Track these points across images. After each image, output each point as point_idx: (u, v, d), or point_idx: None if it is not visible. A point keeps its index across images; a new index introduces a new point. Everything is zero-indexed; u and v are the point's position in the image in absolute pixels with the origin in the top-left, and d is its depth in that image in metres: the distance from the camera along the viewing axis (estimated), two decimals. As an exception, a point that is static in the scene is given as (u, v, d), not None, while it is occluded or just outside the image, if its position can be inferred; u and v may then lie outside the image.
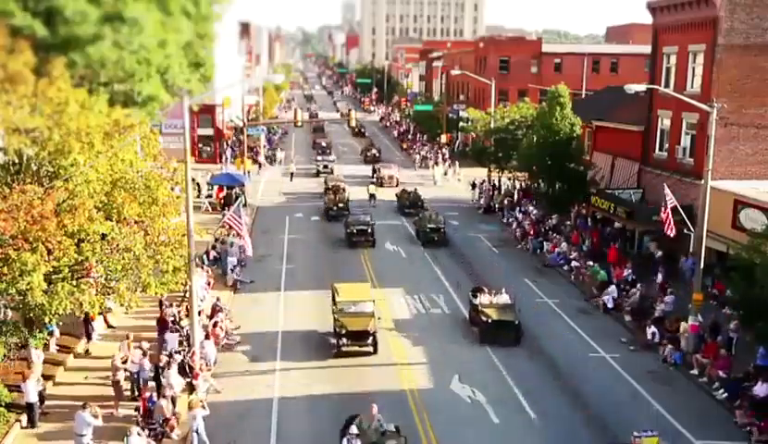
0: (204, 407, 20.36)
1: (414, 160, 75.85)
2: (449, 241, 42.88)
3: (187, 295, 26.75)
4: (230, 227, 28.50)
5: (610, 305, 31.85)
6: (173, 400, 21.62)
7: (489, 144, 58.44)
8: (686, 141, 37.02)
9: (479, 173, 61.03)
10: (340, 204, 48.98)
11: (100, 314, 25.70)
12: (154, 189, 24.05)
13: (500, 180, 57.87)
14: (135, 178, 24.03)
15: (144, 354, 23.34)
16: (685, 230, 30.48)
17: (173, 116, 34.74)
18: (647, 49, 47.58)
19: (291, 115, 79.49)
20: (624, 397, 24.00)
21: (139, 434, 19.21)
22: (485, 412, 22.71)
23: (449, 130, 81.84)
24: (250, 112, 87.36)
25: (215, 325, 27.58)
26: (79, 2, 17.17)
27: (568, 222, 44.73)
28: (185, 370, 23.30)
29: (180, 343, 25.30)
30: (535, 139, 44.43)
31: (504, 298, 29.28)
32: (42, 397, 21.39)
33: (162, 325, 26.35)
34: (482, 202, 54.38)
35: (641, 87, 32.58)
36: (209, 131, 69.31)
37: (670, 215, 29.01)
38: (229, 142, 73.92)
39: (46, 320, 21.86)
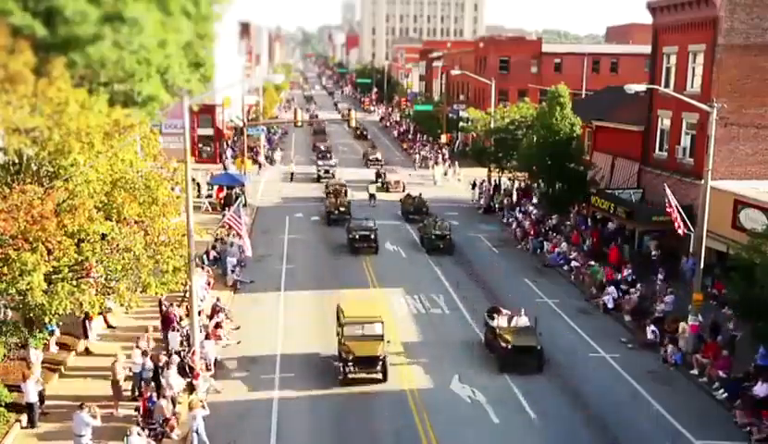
0: (204, 407, 20.36)
1: (415, 160, 75.82)
2: (455, 248, 41.36)
3: (187, 295, 26.76)
4: (230, 227, 28.51)
5: (610, 305, 31.85)
6: (173, 401, 21.63)
7: (489, 144, 58.43)
8: (686, 141, 37.02)
9: (479, 173, 61.02)
10: (342, 208, 47.73)
11: (100, 314, 25.69)
12: (154, 189, 24.06)
13: (500, 180, 57.88)
14: (135, 178, 24.04)
15: (145, 354, 23.33)
16: (685, 230, 30.45)
17: (173, 116, 34.73)
18: (647, 49, 47.57)
19: (290, 115, 79.45)
20: (624, 397, 24.00)
21: (139, 434, 19.21)
22: (485, 412, 22.71)
23: (449, 130, 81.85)
24: (250, 112, 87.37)
25: (216, 325, 27.60)
26: (79, 2, 17.18)
27: (568, 222, 44.74)
28: (185, 370, 23.33)
29: (181, 343, 25.31)
30: (535, 139, 44.42)
31: (524, 320, 26.93)
32: (42, 397, 21.38)
33: (166, 323, 26.39)
34: (482, 202, 54.39)
35: (641, 87, 32.58)
36: (209, 131, 69.29)
37: (677, 214, 28.90)
38: (229, 142, 73.95)
39: (46, 320, 21.88)
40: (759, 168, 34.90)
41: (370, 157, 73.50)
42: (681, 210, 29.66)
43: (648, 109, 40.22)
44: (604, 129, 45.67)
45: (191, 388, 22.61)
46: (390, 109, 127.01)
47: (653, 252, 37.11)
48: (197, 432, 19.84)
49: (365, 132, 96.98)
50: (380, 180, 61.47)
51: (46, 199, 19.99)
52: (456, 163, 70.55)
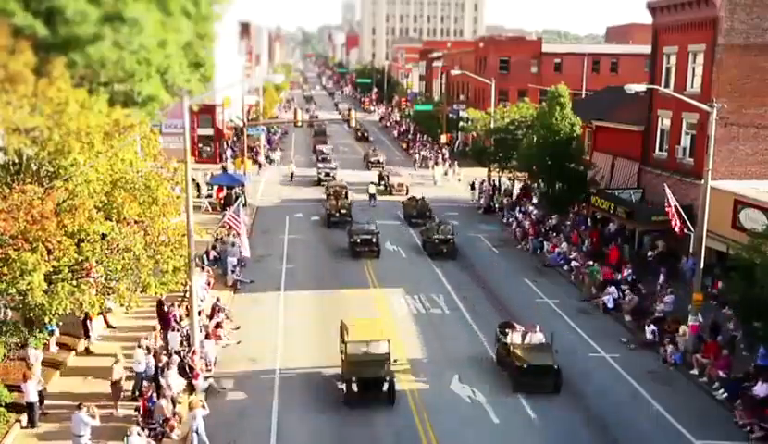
0: (204, 407, 20.37)
1: (415, 160, 75.80)
2: (458, 253, 40.35)
3: (187, 295, 26.76)
4: (230, 227, 28.52)
5: (610, 305, 31.85)
6: (173, 400, 21.63)
7: (489, 144, 58.43)
8: (686, 141, 37.02)
9: (479, 173, 61.01)
10: (343, 210, 46.94)
11: (100, 314, 25.69)
12: (154, 189, 24.07)
13: (500, 180, 57.89)
14: (135, 178, 24.05)
15: (149, 352, 23.35)
16: (685, 230, 30.47)
17: (173, 116, 34.78)
18: (647, 49, 47.58)
19: (290, 115, 79.37)
20: (624, 397, 24.00)
21: (139, 434, 19.21)
22: (485, 412, 22.71)
23: (449, 130, 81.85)
24: (250, 112, 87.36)
25: (216, 325, 27.60)
26: (79, 2, 17.20)
27: (568, 222, 44.76)
28: (185, 370, 23.33)
29: (181, 343, 25.32)
30: (535, 139, 44.41)
31: (539, 336, 25.37)
32: (42, 397, 21.38)
33: (167, 323, 26.41)
34: (482, 202, 54.41)
35: (641, 87, 32.58)
36: (209, 131, 69.30)
37: (675, 213, 28.94)
38: (229, 142, 73.94)
39: (46, 320, 21.88)
40: (759, 168, 34.90)
41: (371, 159, 72.19)
42: (681, 210, 29.68)
43: (648, 109, 40.22)
44: (604, 129, 45.67)
45: (191, 388, 22.62)
46: (389, 109, 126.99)
47: (649, 253, 37.16)
48: (197, 432, 19.84)
49: (366, 134, 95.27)
50: (383, 183, 60.29)
51: (46, 199, 19.99)
52: (456, 163, 70.56)
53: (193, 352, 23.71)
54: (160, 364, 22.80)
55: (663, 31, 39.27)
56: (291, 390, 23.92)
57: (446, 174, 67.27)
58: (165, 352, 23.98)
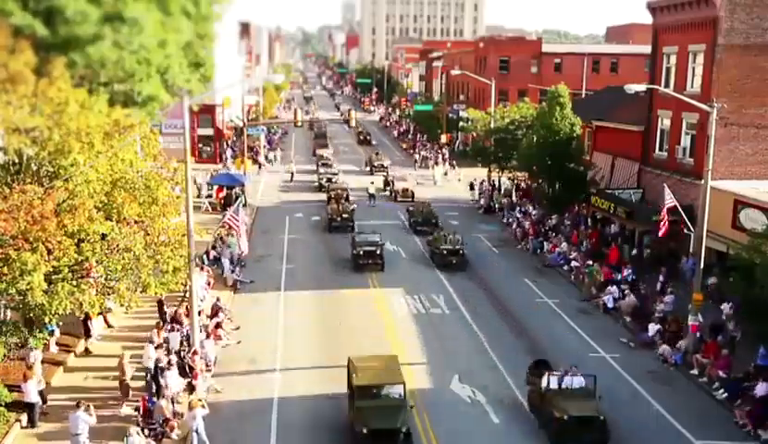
0: (204, 407, 20.37)
1: (415, 160, 75.77)
2: (468, 264, 38.32)
3: (187, 295, 26.76)
4: (230, 227, 28.52)
5: (610, 305, 31.85)
6: (173, 400, 21.63)
7: (489, 144, 58.44)
8: (686, 141, 37.02)
9: (479, 173, 61.05)
10: (345, 215, 45.68)
11: (100, 314, 25.69)
12: (154, 189, 24.09)
13: (500, 180, 57.89)
14: (135, 178, 24.07)
15: (158, 347, 23.38)
16: (685, 230, 30.47)
17: (173, 116, 34.70)
18: (647, 49, 47.58)
19: (290, 115, 79.28)
20: (624, 397, 23.98)
21: (139, 434, 19.22)
22: (485, 412, 22.71)
23: (449, 130, 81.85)
24: (250, 112, 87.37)
25: (216, 325, 27.61)
26: (79, 2, 17.18)
27: (568, 222, 44.77)
28: (185, 370, 23.34)
29: (181, 343, 25.33)
30: (535, 139, 44.42)
31: (579, 380, 21.75)
32: (42, 397, 21.38)
33: (174, 322, 26.47)
34: (482, 202, 54.41)
35: (641, 87, 32.57)
36: (209, 131, 69.32)
37: (666, 216, 28.99)
38: (229, 142, 73.95)
39: (46, 320, 21.89)
40: (759, 168, 34.90)
41: (375, 163, 69.12)
42: (681, 210, 29.67)
43: (648, 109, 40.22)
44: (604, 129, 45.67)
45: (191, 388, 22.62)
46: (389, 109, 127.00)
47: (634, 251, 37.23)
48: (197, 432, 19.84)
49: (368, 137, 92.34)
50: (388, 189, 58.13)
51: (46, 199, 20.00)
52: (456, 163, 70.55)
53: (194, 352, 23.71)
54: (160, 365, 22.80)
55: (663, 31, 39.27)
56: (291, 390, 23.90)
57: (446, 174, 67.28)
58: (165, 352, 23.99)
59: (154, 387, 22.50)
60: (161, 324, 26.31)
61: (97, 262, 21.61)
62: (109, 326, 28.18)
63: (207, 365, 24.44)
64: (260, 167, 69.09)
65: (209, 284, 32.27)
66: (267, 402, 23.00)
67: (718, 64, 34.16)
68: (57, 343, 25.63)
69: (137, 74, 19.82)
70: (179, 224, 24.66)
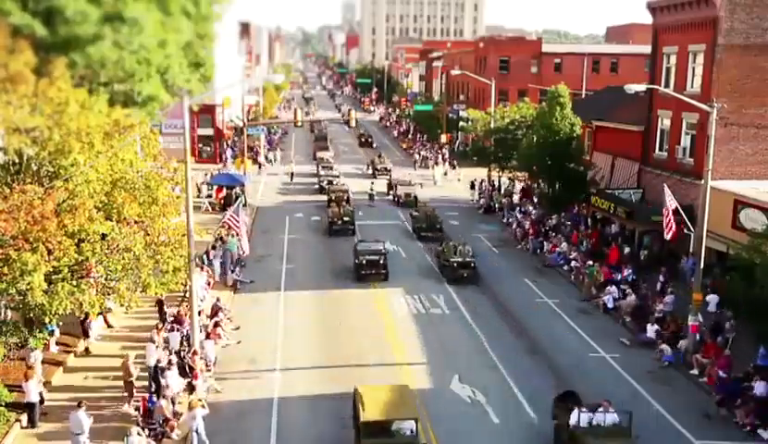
0: (204, 407, 20.37)
1: (415, 160, 75.76)
2: (480, 278, 36.01)
3: (187, 295, 26.76)
4: (230, 227, 28.53)
5: (610, 305, 31.85)
6: (173, 400, 21.63)
7: (489, 144, 58.45)
8: (686, 141, 37.03)
9: (479, 173, 61.06)
10: (345, 218, 44.78)
11: (100, 314, 25.70)
12: (154, 189, 24.09)
13: (500, 180, 57.90)
14: (135, 178, 24.07)
15: (159, 347, 23.39)
16: (685, 230, 30.47)
17: (173, 116, 34.66)
18: (647, 49, 47.61)
19: (290, 115, 79.21)
20: (624, 397, 23.94)
21: (139, 434, 19.21)
22: (485, 412, 22.71)
23: (449, 130, 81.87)
24: (250, 112, 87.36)
25: (216, 324, 27.61)
26: (79, 2, 17.19)
27: (568, 222, 44.77)
28: (185, 370, 23.33)
29: (181, 343, 25.33)
30: (535, 139, 44.44)
31: (612, 417, 19.72)
32: (41, 397, 21.37)
33: (179, 323, 26.48)
34: (482, 202, 54.42)
35: (641, 87, 32.58)
36: (209, 131, 69.32)
37: (671, 218, 28.90)
38: (229, 142, 73.96)
39: (46, 320, 21.88)
40: (759, 168, 34.91)
41: (378, 167, 67.07)
42: (681, 210, 29.65)
43: (648, 109, 40.23)
44: (604, 129, 45.68)
45: (191, 388, 22.62)
46: (389, 109, 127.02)
47: (640, 253, 37.22)
48: (197, 432, 19.84)
49: (370, 139, 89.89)
50: (392, 193, 56.39)
51: (46, 199, 20.00)
52: (456, 163, 70.56)
53: (194, 352, 23.71)
54: (160, 365, 22.80)
55: (663, 31, 39.28)
56: (291, 390, 23.90)
57: (446, 174, 67.29)
58: (165, 352, 24.00)
59: (153, 386, 22.53)
60: (160, 324, 26.30)
61: (97, 262, 21.62)
62: (109, 326, 28.18)
63: (207, 365, 24.44)
64: (260, 167, 69.09)
65: (209, 284, 32.28)
66: (267, 402, 23.00)
67: (718, 64, 34.17)
68: (57, 343, 25.64)
69: (137, 74, 19.83)
70: (179, 224, 24.66)
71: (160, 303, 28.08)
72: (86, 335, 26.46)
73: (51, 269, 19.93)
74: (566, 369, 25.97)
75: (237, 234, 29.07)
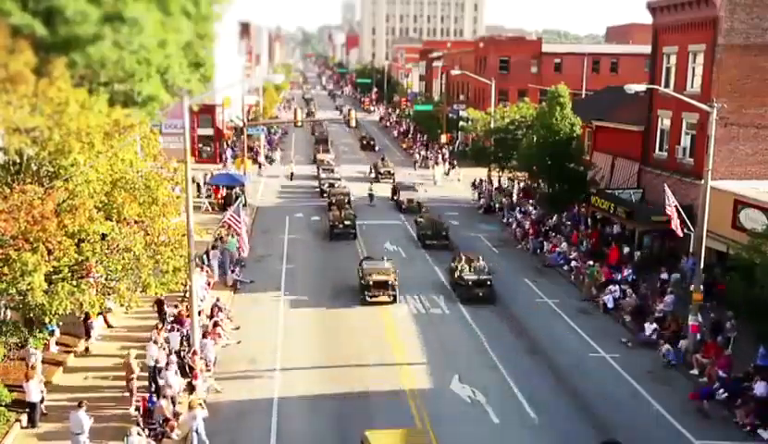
0: (203, 407, 20.36)
1: (415, 160, 75.74)
2: (497, 297, 32.95)
3: (187, 295, 26.77)
4: (230, 227, 28.52)
5: (610, 305, 31.84)
6: (173, 400, 21.63)
7: (489, 144, 58.46)
8: (686, 141, 37.03)
9: (479, 173, 61.07)
10: (347, 222, 43.89)
11: (100, 314, 25.70)
12: (154, 189, 24.08)
13: (500, 180, 57.90)
14: (135, 178, 24.07)
15: (161, 347, 23.41)
16: (685, 230, 30.47)
17: (173, 116, 34.64)
18: (647, 49, 47.60)
19: (290, 115, 79.19)
20: (624, 397, 24.00)
21: (139, 434, 19.21)
22: (485, 412, 22.71)
23: (449, 130, 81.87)
24: (250, 112, 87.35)
25: (215, 324, 27.61)
26: (79, 2, 17.21)
27: (568, 222, 44.78)
28: (185, 370, 23.33)
29: (181, 343, 25.33)
30: (535, 139, 44.45)
31: None
32: (41, 397, 21.36)
33: (180, 323, 26.49)
34: (482, 202, 54.43)
35: (641, 87, 32.57)
36: (209, 131, 69.31)
37: (674, 214, 28.91)
38: (229, 142, 73.96)
39: (46, 320, 21.88)
40: (759, 168, 34.91)
41: (382, 171, 65.34)
42: (681, 210, 29.67)
43: (648, 109, 40.23)
44: (604, 129, 45.68)
45: (191, 388, 22.62)
46: (389, 109, 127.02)
47: (636, 254, 37.23)
48: (197, 432, 19.84)
49: (372, 142, 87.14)
50: (395, 198, 54.61)
51: (46, 199, 20.00)
52: (456, 163, 70.56)
53: (194, 352, 23.71)
54: (159, 365, 22.80)
55: (663, 31, 39.27)
56: (291, 390, 23.90)
57: (446, 174, 67.30)
58: (166, 353, 24.00)
59: (153, 386, 22.53)
60: (160, 324, 26.30)
61: (97, 262, 21.61)
62: (109, 326, 28.18)
63: (207, 365, 24.44)
64: (260, 167, 69.10)
65: (209, 284, 32.28)
66: (267, 402, 23.00)
67: (718, 64, 34.17)
68: (57, 343, 25.64)
69: (137, 74, 19.86)
70: (179, 224, 24.66)
71: (160, 303, 28.09)
72: (88, 335, 26.47)
73: (51, 269, 19.93)
74: (566, 369, 25.97)
75: (237, 234, 29.07)
